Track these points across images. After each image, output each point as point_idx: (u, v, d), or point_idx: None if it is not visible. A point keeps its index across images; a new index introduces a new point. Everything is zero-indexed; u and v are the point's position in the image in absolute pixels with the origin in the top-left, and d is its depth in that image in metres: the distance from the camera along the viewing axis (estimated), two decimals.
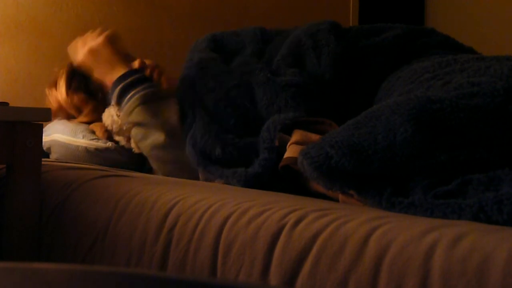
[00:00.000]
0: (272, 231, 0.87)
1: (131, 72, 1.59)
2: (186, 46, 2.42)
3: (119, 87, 1.56)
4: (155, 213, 1.06)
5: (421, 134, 0.99)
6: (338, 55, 1.48)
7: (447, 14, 3.04)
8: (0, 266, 0.42)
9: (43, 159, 1.30)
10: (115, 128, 1.59)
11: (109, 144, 1.68)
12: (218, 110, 1.45)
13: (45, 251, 1.27)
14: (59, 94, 1.78)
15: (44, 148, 1.71)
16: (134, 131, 1.56)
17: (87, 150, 1.67)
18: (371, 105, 1.26)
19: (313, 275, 0.80)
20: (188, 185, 1.27)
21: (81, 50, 1.64)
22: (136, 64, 1.70)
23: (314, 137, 1.21)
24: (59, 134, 1.72)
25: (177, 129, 1.52)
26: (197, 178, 1.48)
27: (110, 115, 1.59)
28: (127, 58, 1.69)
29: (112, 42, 1.65)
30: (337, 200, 1.11)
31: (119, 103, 1.57)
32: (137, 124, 1.55)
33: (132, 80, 1.57)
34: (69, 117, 1.80)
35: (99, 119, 1.71)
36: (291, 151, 1.21)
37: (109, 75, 1.60)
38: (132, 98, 1.54)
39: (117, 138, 1.66)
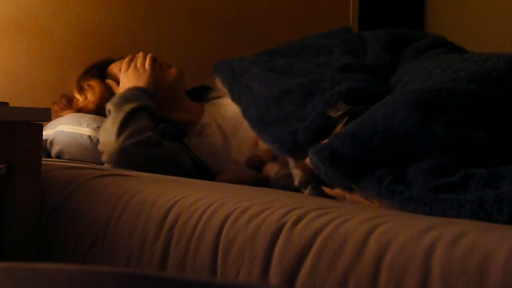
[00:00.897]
0: (272, 230, 0.87)
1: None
2: (186, 45, 2.42)
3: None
4: (155, 212, 1.06)
5: (417, 113, 1.05)
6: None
7: (447, 14, 3.03)
8: (0, 266, 0.42)
9: (43, 159, 1.30)
10: None
11: None
12: None
13: (45, 251, 1.27)
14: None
15: (47, 142, 1.71)
16: None
17: (90, 138, 1.66)
18: None
19: (313, 274, 0.79)
20: (188, 184, 1.27)
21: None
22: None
23: None
24: (63, 125, 1.72)
25: None
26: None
27: None
28: None
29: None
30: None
31: None
32: None
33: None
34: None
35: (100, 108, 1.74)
36: None
37: None
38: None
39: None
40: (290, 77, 1.47)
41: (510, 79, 1.17)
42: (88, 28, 2.23)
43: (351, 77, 1.39)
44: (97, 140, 1.65)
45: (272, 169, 1.38)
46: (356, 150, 1.03)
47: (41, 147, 1.29)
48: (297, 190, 1.25)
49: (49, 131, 1.71)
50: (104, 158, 1.56)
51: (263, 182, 1.38)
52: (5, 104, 1.27)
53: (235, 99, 1.57)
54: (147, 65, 1.77)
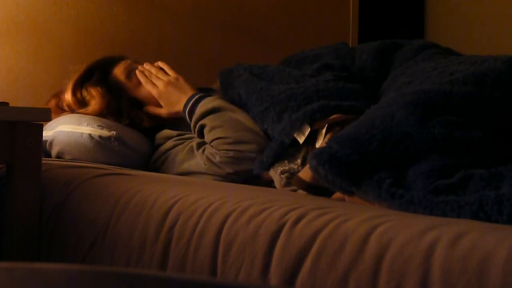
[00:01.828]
0: (272, 230, 0.87)
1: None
2: (186, 45, 2.42)
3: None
4: (155, 212, 1.06)
5: (416, 114, 1.06)
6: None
7: (447, 14, 3.03)
8: (0, 266, 0.42)
9: (43, 159, 1.30)
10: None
11: (113, 132, 1.66)
12: None
13: (45, 251, 1.27)
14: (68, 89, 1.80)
15: (46, 144, 1.70)
16: None
17: (91, 137, 1.65)
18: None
19: (313, 273, 0.79)
20: (188, 184, 1.27)
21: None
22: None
23: None
24: (63, 125, 1.71)
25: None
26: None
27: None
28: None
29: None
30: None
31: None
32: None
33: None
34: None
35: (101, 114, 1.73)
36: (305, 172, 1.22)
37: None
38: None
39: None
40: (271, 84, 1.53)
41: (507, 80, 1.18)
42: (88, 28, 2.23)
43: (325, 89, 1.41)
44: (99, 137, 1.65)
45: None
46: (355, 153, 1.03)
47: (41, 147, 1.29)
48: None
49: (48, 132, 1.70)
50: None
51: None
52: (5, 104, 1.27)
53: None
54: (172, 73, 1.76)
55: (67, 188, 1.29)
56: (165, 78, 1.75)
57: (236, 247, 0.90)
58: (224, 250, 0.91)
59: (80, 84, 1.79)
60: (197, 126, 1.59)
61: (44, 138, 1.60)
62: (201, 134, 1.60)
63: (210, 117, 1.57)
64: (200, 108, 1.60)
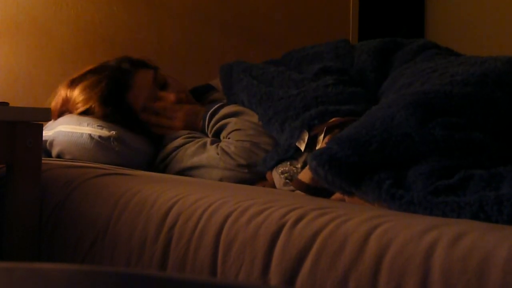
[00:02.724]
0: (272, 230, 0.87)
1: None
2: (186, 45, 2.42)
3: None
4: (155, 212, 1.06)
5: (416, 115, 1.06)
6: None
7: (447, 14, 3.03)
8: (0, 266, 0.42)
9: (43, 158, 1.30)
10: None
11: (113, 132, 1.66)
12: None
13: (45, 251, 1.27)
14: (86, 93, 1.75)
15: (47, 144, 1.70)
16: None
17: (91, 137, 1.65)
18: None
19: (313, 273, 0.80)
20: (188, 184, 1.27)
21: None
22: (171, 98, 1.76)
23: None
24: (63, 125, 1.71)
25: None
26: None
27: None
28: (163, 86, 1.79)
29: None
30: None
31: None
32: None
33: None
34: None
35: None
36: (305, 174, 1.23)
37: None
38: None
39: None
40: (272, 89, 1.54)
41: (508, 81, 1.17)
42: (88, 27, 2.23)
43: (324, 95, 1.42)
44: (99, 137, 1.65)
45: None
46: (355, 153, 1.03)
47: (41, 147, 1.29)
48: None
49: (48, 132, 1.70)
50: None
51: None
52: (5, 104, 1.27)
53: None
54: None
55: (67, 188, 1.29)
56: (178, 110, 1.74)
57: (236, 247, 0.90)
58: (224, 250, 0.91)
59: (94, 102, 1.73)
60: (218, 124, 1.60)
61: (44, 138, 1.60)
62: (217, 135, 1.61)
63: (232, 118, 1.59)
64: (224, 111, 1.62)
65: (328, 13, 2.72)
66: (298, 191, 1.23)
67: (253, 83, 1.58)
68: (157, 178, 1.40)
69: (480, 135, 1.04)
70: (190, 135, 1.67)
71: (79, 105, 1.73)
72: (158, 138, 1.74)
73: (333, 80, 1.49)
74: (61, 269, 0.42)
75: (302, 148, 1.33)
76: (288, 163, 1.36)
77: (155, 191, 1.13)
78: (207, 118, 1.65)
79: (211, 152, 1.55)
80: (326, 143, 1.10)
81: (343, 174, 1.02)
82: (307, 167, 1.15)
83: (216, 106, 1.66)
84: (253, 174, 1.50)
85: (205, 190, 1.13)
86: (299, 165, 1.34)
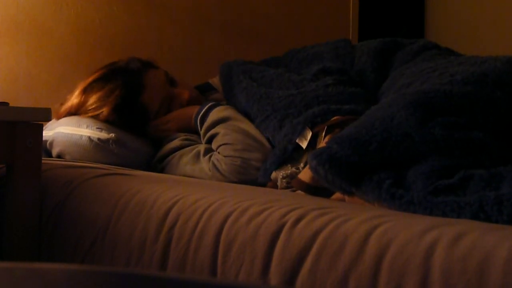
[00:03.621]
0: (272, 230, 0.87)
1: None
2: (186, 46, 2.42)
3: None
4: (155, 212, 1.06)
5: (416, 115, 1.06)
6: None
7: (447, 14, 3.03)
8: (0, 266, 0.42)
9: (43, 158, 1.30)
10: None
11: (112, 135, 1.66)
12: None
13: (45, 251, 1.27)
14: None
15: (47, 144, 1.70)
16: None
17: (90, 139, 1.65)
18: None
19: (314, 273, 0.79)
20: (188, 184, 1.27)
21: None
22: (185, 95, 1.77)
23: None
24: (63, 126, 1.71)
25: None
26: None
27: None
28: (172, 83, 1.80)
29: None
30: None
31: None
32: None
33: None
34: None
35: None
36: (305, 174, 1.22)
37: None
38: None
39: None
40: (272, 90, 1.54)
41: (507, 80, 1.17)
42: (88, 28, 2.23)
43: (325, 94, 1.42)
44: (98, 139, 1.65)
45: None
46: (355, 153, 1.03)
47: (41, 147, 1.29)
48: None
49: (48, 132, 1.70)
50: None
51: None
52: (5, 104, 1.27)
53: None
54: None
55: (68, 188, 1.29)
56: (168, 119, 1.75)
57: (236, 247, 0.90)
58: (224, 250, 0.91)
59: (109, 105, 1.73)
60: (208, 134, 1.60)
61: (44, 138, 1.60)
62: (210, 142, 1.60)
63: (221, 125, 1.58)
64: (212, 116, 1.61)
65: (328, 13, 2.72)
66: (298, 191, 1.23)
67: (252, 85, 1.58)
68: (157, 178, 1.40)
69: (480, 134, 1.04)
70: (187, 137, 1.67)
71: (91, 111, 1.73)
72: (157, 138, 1.74)
73: (332, 80, 1.49)
74: (61, 269, 0.42)
75: (304, 145, 1.33)
76: (289, 165, 1.36)
77: (155, 191, 1.13)
78: (198, 123, 1.65)
79: (204, 165, 1.54)
80: (326, 143, 1.10)
81: (343, 173, 1.02)
82: (307, 167, 1.15)
83: (205, 109, 1.64)
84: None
85: (205, 190, 1.13)
86: (301, 165, 1.34)
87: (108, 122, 1.70)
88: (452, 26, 3.00)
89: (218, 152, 1.53)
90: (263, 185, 1.43)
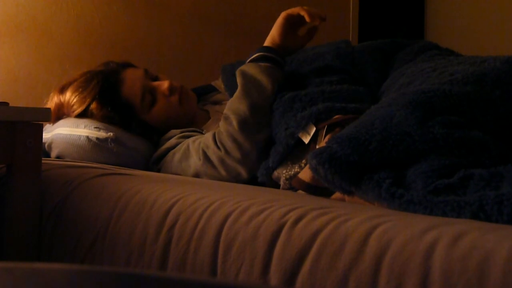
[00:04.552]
0: (272, 230, 0.87)
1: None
2: (186, 45, 2.42)
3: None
4: (155, 212, 1.06)
5: (416, 114, 1.06)
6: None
7: (447, 14, 3.03)
8: (0, 266, 0.42)
9: (43, 159, 1.30)
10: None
11: (110, 134, 1.66)
12: None
13: (45, 251, 1.27)
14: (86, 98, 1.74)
15: (45, 146, 1.70)
16: None
17: (88, 139, 1.65)
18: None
19: (314, 273, 0.80)
20: (188, 184, 1.27)
21: None
22: (165, 84, 1.76)
23: None
24: (61, 128, 1.71)
25: None
26: None
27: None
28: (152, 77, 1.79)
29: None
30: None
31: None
32: None
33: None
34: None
35: None
36: (305, 173, 1.22)
37: None
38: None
39: None
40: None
41: (507, 80, 1.17)
42: (88, 28, 2.23)
43: (330, 91, 1.41)
44: (96, 139, 1.65)
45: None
46: (355, 152, 1.03)
47: (41, 147, 1.29)
48: None
49: (46, 134, 1.70)
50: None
51: None
52: (5, 104, 1.27)
53: None
54: None
55: (67, 188, 1.29)
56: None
57: (236, 247, 0.90)
58: (224, 250, 0.91)
59: (90, 103, 1.73)
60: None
61: (43, 140, 1.60)
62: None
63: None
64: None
65: (328, 13, 2.71)
66: (299, 191, 1.23)
67: None
68: (157, 178, 1.40)
69: (479, 133, 1.04)
70: (182, 134, 1.67)
71: (75, 106, 1.73)
72: (157, 135, 1.74)
73: (337, 77, 1.49)
74: (61, 269, 0.42)
75: (306, 141, 1.32)
76: (290, 162, 1.35)
77: (155, 191, 1.13)
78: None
79: (194, 157, 1.52)
80: (326, 142, 1.10)
81: (343, 173, 1.02)
82: (307, 166, 1.15)
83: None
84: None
85: (205, 190, 1.13)
86: (303, 162, 1.32)
87: (101, 119, 1.70)
88: (452, 26, 3.00)
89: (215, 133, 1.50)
90: (263, 184, 1.43)
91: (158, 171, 1.65)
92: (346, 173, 1.02)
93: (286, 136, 1.35)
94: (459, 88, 1.13)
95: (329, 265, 0.78)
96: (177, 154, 1.59)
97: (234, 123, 1.43)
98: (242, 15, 2.55)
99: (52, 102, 1.78)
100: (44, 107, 1.78)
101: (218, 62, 1.93)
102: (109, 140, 1.65)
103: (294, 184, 1.24)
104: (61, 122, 1.74)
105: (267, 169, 1.38)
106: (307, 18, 1.57)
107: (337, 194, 1.11)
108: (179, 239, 0.99)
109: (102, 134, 1.66)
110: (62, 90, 1.78)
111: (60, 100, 1.77)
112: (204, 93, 1.92)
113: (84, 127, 1.67)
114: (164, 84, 1.75)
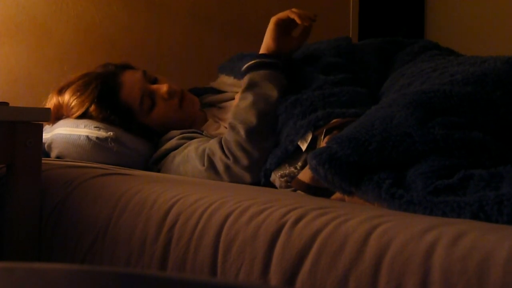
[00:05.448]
0: (272, 230, 0.87)
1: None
2: (186, 45, 2.42)
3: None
4: (155, 212, 1.06)
5: (416, 114, 1.06)
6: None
7: (447, 14, 3.03)
8: (0, 266, 0.42)
9: (43, 159, 1.30)
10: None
11: (110, 133, 1.66)
12: None
13: (45, 251, 1.27)
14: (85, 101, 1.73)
15: (45, 146, 1.70)
16: None
17: (88, 138, 1.65)
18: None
19: (313, 273, 0.79)
20: (188, 184, 1.27)
21: None
22: (164, 88, 1.75)
23: None
24: (61, 128, 1.71)
25: None
26: None
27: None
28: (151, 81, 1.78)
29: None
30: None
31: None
32: None
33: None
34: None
35: None
36: (305, 174, 1.22)
37: None
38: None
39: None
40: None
41: (507, 80, 1.17)
42: (88, 28, 2.23)
43: (331, 95, 1.41)
44: (96, 138, 1.65)
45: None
46: (355, 153, 1.03)
47: (41, 147, 1.29)
48: None
49: (46, 135, 1.70)
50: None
51: None
52: (5, 104, 1.27)
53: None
54: None
55: (67, 188, 1.29)
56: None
57: (236, 247, 0.90)
58: (224, 250, 0.91)
59: (89, 106, 1.72)
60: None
61: (43, 140, 1.60)
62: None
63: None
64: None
65: (328, 13, 2.72)
66: (299, 191, 1.23)
67: None
68: (157, 178, 1.40)
69: (480, 134, 1.04)
70: (182, 135, 1.67)
71: (74, 109, 1.73)
72: (158, 135, 1.74)
73: (340, 76, 1.48)
74: (61, 269, 0.42)
75: (304, 147, 1.33)
76: (287, 164, 1.36)
77: (155, 191, 1.13)
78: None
79: (196, 162, 1.51)
80: (326, 143, 1.10)
81: (343, 173, 1.02)
82: (307, 167, 1.15)
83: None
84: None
85: (205, 190, 1.13)
86: (299, 164, 1.34)
87: (101, 120, 1.70)
88: (452, 26, 3.00)
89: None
90: (263, 184, 1.43)
91: (158, 171, 1.65)
92: (346, 173, 1.02)
93: (286, 142, 1.37)
94: (460, 88, 1.13)
95: (329, 265, 0.78)
96: (177, 157, 1.59)
97: (242, 132, 1.43)
98: (242, 15, 2.55)
99: (51, 102, 1.78)
100: (44, 107, 1.78)
101: (218, 62, 1.93)
102: (109, 139, 1.65)
103: (293, 185, 1.24)
104: (61, 122, 1.74)
105: (265, 171, 1.39)
106: (297, 20, 1.56)
107: (337, 195, 1.11)
108: (179, 239, 0.99)
109: (102, 133, 1.66)
110: (60, 91, 1.77)
111: (59, 101, 1.77)
112: (199, 94, 1.91)
113: (84, 126, 1.67)
114: (163, 88, 1.75)
